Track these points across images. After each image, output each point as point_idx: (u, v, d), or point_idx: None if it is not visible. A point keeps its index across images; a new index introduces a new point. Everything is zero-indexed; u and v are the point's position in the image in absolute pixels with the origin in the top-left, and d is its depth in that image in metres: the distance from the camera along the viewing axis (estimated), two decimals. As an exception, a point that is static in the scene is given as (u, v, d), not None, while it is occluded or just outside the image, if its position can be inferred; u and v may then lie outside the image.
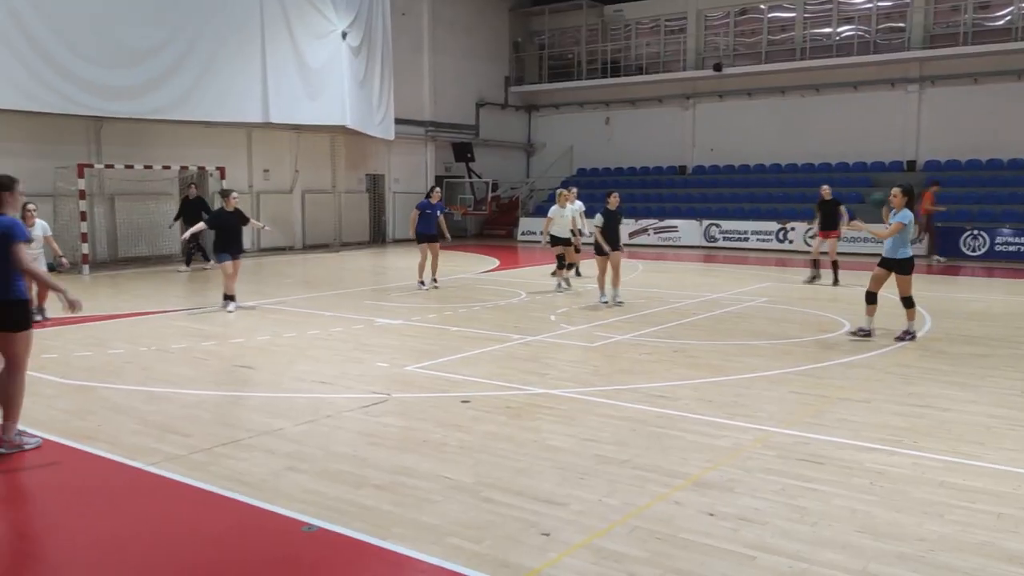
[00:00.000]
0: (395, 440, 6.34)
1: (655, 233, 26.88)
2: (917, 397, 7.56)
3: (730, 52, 29.38)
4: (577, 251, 15.86)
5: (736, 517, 4.85)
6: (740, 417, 6.92)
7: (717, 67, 28.37)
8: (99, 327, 11.37)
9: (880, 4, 26.68)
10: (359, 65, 24.52)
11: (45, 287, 7.11)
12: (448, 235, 15.89)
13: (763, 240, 25.04)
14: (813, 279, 16.34)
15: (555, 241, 15.22)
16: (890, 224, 10.19)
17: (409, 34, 28.15)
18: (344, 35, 23.79)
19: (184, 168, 21.14)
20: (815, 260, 16.56)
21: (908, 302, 10.25)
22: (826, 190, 16.66)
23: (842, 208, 16.22)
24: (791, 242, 24.36)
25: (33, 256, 10.77)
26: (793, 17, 28.19)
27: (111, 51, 18.76)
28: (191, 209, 18.98)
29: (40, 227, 11.72)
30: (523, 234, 29.26)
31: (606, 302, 13.31)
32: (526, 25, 33.61)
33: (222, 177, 21.11)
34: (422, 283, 15.28)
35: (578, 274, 16.61)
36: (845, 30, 27.35)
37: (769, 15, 28.67)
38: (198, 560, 4.43)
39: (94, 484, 5.68)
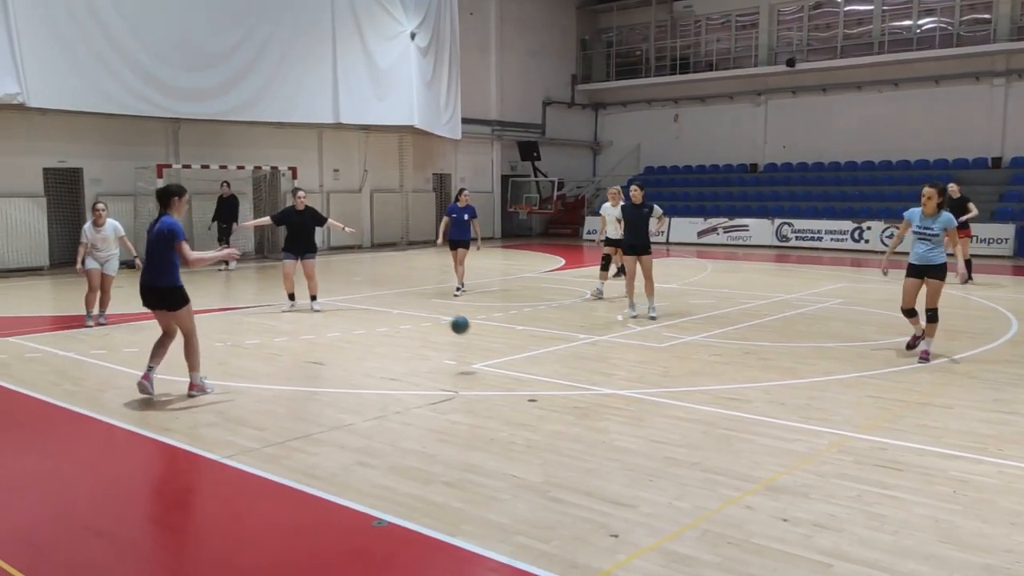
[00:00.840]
0: (463, 437, 6.36)
1: (725, 232, 26.49)
2: (1003, 403, 7.28)
3: (804, 47, 28.78)
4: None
5: (811, 523, 4.72)
6: (814, 421, 6.75)
7: (790, 62, 27.80)
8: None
9: (962, -4, 25.83)
10: (427, 65, 24.72)
11: (207, 262, 8.21)
12: (480, 241, 14.76)
13: (837, 240, 24.45)
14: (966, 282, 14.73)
15: (608, 242, 14.56)
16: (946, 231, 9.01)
17: (476, 33, 28.27)
18: (413, 35, 24.03)
19: (258, 168, 21.61)
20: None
21: (934, 315, 8.99)
22: (954, 188, 15.82)
23: (970, 204, 15.53)
24: (867, 242, 23.74)
25: (105, 259, 11.16)
26: (871, 10, 27.46)
27: (188, 55, 19.30)
28: (224, 207, 19.21)
29: (111, 227, 11.42)
30: (588, 233, 29.09)
31: (635, 316, 11.75)
32: (594, 23, 33.45)
33: (294, 177, 21.53)
34: (458, 289, 14.42)
35: (620, 273, 15.27)
36: (926, 22, 26.53)
37: (845, 8, 27.98)
38: (273, 550, 4.49)
39: (169, 475, 5.81)
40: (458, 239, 14.40)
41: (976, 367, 8.72)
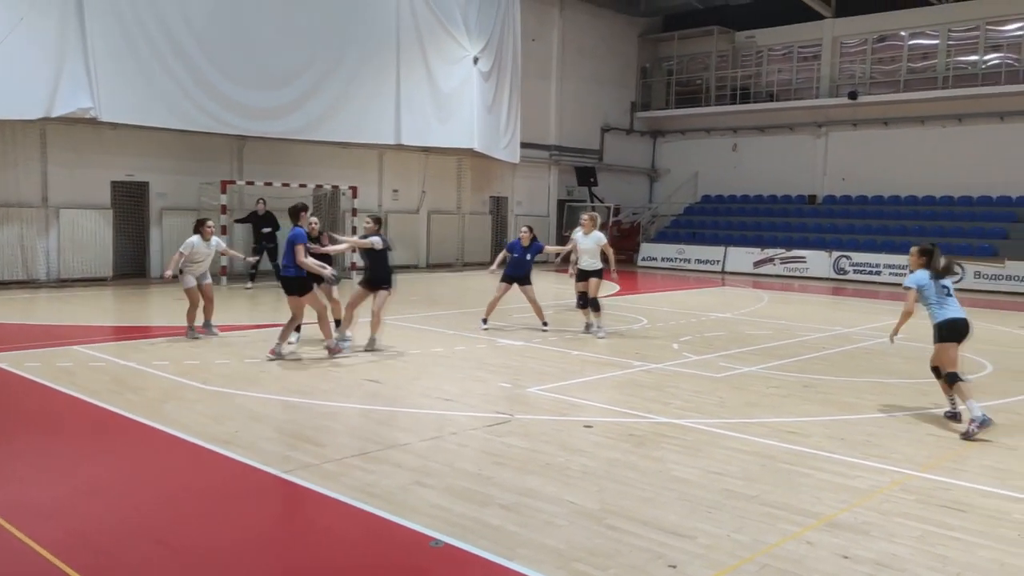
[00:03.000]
0: (519, 461, 6.38)
1: (781, 263, 26.20)
2: (1071, 448, 7.08)
3: (866, 79, 28.46)
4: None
5: (873, 562, 4.65)
6: (874, 458, 6.64)
7: (852, 95, 27.51)
8: (235, 336, 11.90)
9: (1032, 31, 25.35)
10: (488, 90, 24.99)
11: (312, 270, 10.27)
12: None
13: (896, 274, 23.96)
14: None
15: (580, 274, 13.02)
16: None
17: (538, 59, 28.51)
18: (476, 60, 24.32)
19: (319, 186, 22.00)
20: None
21: (949, 376, 7.95)
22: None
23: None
24: (927, 277, 23.23)
25: (201, 271, 11.68)
26: (936, 44, 27.08)
27: (256, 73, 19.77)
28: (259, 224, 18.76)
29: (215, 243, 11.98)
30: (643, 259, 29.05)
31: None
32: (655, 51, 33.50)
33: (354, 196, 21.84)
34: (484, 321, 13.22)
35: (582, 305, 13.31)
36: (992, 58, 26.07)
37: (910, 42, 27.64)
38: (332, 566, 4.56)
39: (230, 487, 5.93)
40: (512, 274, 13.10)
41: (1044, 410, 8.49)
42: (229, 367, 9.74)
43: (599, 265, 12.78)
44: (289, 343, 10.72)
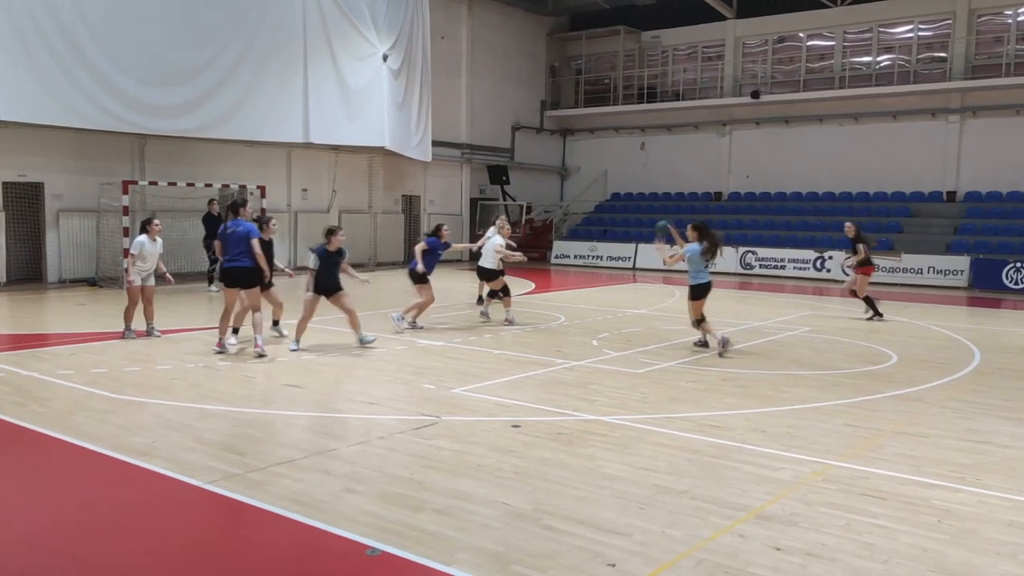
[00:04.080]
0: (449, 464, 6.31)
1: (690, 259, 26.72)
2: (975, 433, 7.43)
3: (767, 79, 29.34)
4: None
5: (804, 552, 4.76)
6: (796, 449, 6.82)
7: (754, 94, 28.33)
8: (144, 343, 11.47)
9: (921, 34, 26.56)
10: (399, 87, 24.75)
11: (263, 265, 10.80)
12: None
13: (800, 268, 24.84)
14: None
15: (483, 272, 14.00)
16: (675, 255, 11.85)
17: (448, 57, 28.41)
18: (385, 57, 24.04)
19: (225, 186, 21.37)
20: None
21: (698, 321, 11.64)
22: (849, 227, 15.51)
23: (860, 247, 15.04)
24: (829, 271, 24.14)
25: (148, 272, 11.65)
26: (832, 46, 28.12)
27: (157, 70, 19.06)
28: (212, 225, 17.94)
29: (160, 243, 11.88)
30: (556, 257, 29.28)
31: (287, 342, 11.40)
32: (563, 50, 33.79)
33: (263, 196, 21.31)
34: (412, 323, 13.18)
35: (481, 301, 14.78)
36: (885, 59, 27.23)
37: (808, 43, 28.62)
38: (264, 581, 4.42)
39: (151, 501, 5.69)
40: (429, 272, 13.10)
41: (945, 397, 8.89)
42: (140, 374, 9.36)
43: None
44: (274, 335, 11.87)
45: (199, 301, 16.67)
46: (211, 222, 17.98)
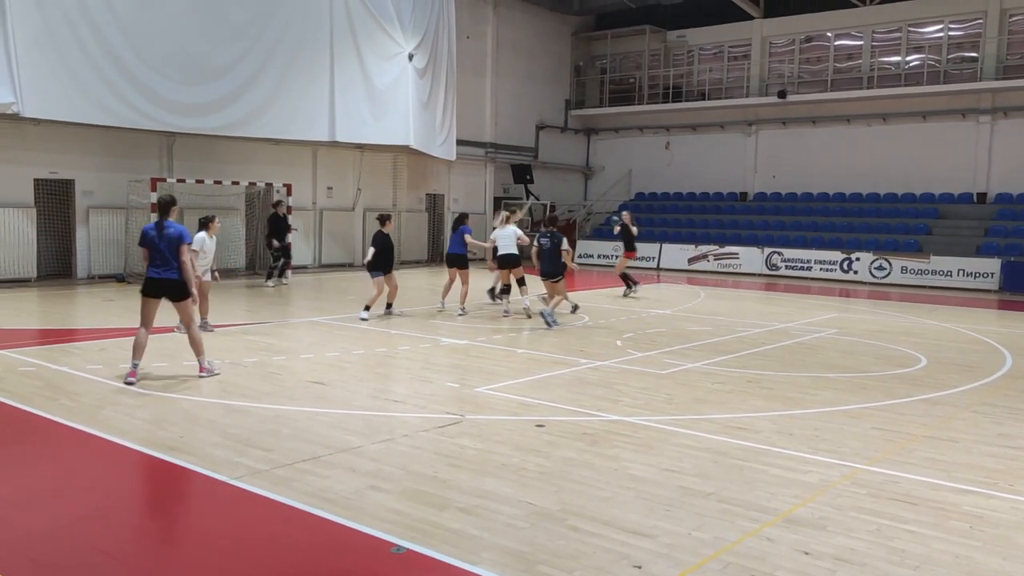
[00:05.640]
0: (474, 462, 6.30)
1: (715, 259, 26.62)
2: (1007, 438, 7.32)
3: (794, 79, 29.11)
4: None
5: (833, 557, 4.71)
6: (823, 452, 6.75)
7: (781, 94, 28.12)
8: (170, 338, 11.55)
9: (952, 33, 26.23)
10: (424, 86, 24.79)
11: (188, 274, 8.97)
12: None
13: (827, 269, 24.62)
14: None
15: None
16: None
17: (473, 57, 28.43)
18: (411, 57, 24.08)
19: (252, 184, 21.54)
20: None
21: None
22: (627, 216, 18.43)
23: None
24: (856, 272, 23.92)
25: (205, 267, 11.79)
26: (860, 45, 27.84)
27: (186, 69, 19.22)
28: (277, 225, 19.50)
29: (215, 241, 12.19)
30: (580, 257, 29.20)
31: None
32: (588, 49, 33.71)
33: (288, 194, 21.44)
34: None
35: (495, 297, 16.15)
36: (914, 59, 26.92)
37: (835, 43, 28.36)
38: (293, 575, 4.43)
39: (178, 495, 5.73)
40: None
41: (976, 401, 8.77)
42: (167, 370, 9.43)
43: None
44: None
45: (229, 297, 16.76)
46: (277, 223, 19.44)
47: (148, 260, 8.92)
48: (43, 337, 11.93)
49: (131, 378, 8.65)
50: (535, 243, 13.99)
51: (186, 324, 9.20)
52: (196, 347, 9.10)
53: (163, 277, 8.80)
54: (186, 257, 8.85)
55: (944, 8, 26.01)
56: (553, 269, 13.49)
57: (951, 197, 25.84)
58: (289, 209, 20.31)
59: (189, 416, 7.49)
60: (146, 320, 8.89)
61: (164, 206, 9.05)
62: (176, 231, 8.86)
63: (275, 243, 19.50)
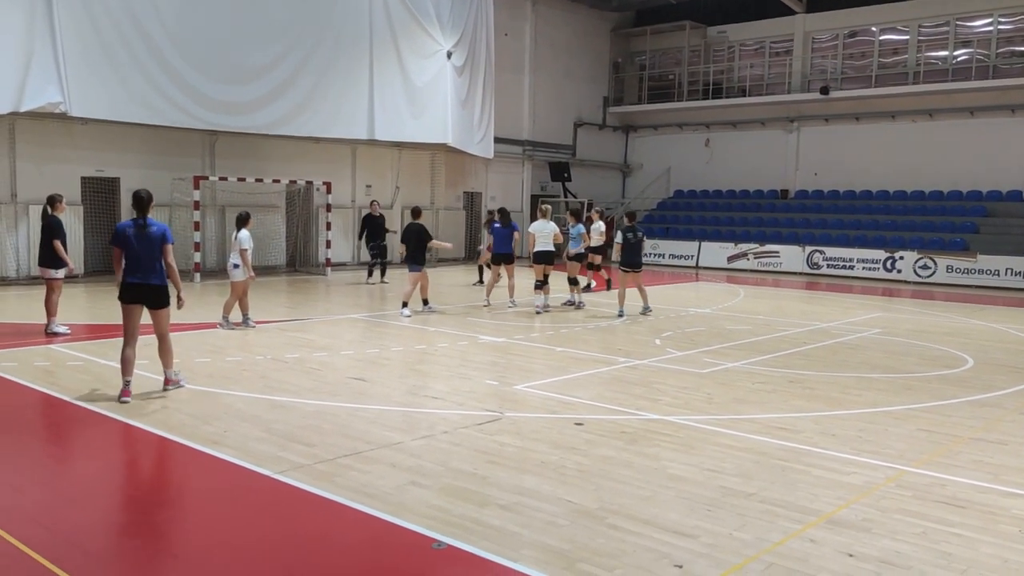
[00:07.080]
0: (513, 460, 6.31)
1: (755, 258, 26.36)
2: (1057, 441, 7.16)
3: (838, 75, 28.71)
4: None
5: (878, 560, 4.64)
6: (867, 453, 6.66)
7: (824, 90, 27.74)
8: (213, 334, 11.72)
9: (1001, 28, 25.69)
10: (462, 84, 24.86)
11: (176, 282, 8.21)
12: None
13: (869, 269, 24.26)
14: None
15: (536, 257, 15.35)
16: None
17: (511, 54, 28.43)
18: (449, 55, 24.17)
19: (293, 182, 21.76)
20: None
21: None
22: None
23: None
24: (899, 271, 23.54)
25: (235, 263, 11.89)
26: (906, 40, 27.37)
27: (229, 68, 19.48)
28: (373, 226, 19.90)
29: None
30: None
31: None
32: (627, 46, 33.54)
33: (328, 192, 21.63)
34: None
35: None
36: (962, 54, 26.41)
37: (880, 37, 27.92)
38: (334, 569, 4.46)
39: (223, 489, 5.81)
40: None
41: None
42: (211, 365, 9.57)
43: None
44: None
45: (266, 294, 16.96)
46: (372, 222, 19.88)
47: (122, 262, 7.99)
48: (91, 332, 12.16)
49: (125, 397, 7.78)
50: (620, 237, 14.81)
51: (161, 335, 8.16)
52: (166, 358, 8.24)
53: (147, 283, 7.91)
54: (171, 259, 8.01)
55: (993, 1, 25.47)
56: (640, 260, 14.89)
57: (999, 195, 25.30)
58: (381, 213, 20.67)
59: (233, 411, 7.59)
60: (130, 334, 7.95)
61: (143, 202, 8.11)
62: (159, 229, 8.03)
63: (372, 243, 19.79)
